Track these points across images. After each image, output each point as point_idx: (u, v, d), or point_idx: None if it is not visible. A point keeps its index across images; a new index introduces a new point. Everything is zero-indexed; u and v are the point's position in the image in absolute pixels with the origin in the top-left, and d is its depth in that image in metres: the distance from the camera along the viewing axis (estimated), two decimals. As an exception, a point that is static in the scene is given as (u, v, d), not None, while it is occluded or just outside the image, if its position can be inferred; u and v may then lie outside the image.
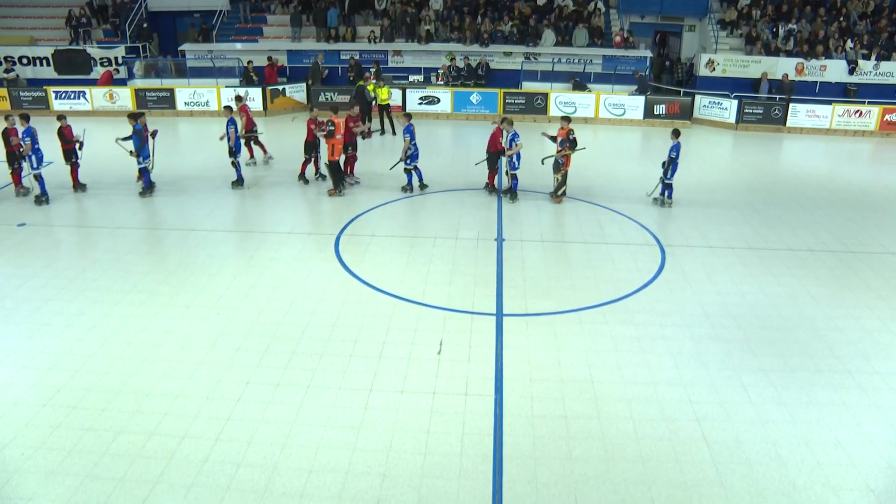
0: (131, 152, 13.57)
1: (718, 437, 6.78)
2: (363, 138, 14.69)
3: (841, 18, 23.95)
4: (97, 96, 22.17)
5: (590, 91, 22.22)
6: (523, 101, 22.19)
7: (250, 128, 15.91)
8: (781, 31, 23.42)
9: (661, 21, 26.04)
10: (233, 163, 14.41)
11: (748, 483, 6.19)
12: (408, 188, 14.31)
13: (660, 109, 21.78)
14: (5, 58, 23.96)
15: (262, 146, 16.59)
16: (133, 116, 13.62)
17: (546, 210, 13.47)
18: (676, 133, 13.38)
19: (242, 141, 15.47)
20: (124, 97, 22.18)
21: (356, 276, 10.27)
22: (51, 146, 14.19)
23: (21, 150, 13.07)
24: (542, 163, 13.94)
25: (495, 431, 6.81)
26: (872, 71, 22.66)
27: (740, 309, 9.48)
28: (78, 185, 14.28)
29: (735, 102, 21.34)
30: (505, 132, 13.44)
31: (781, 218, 13.28)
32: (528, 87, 22.86)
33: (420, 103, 22.31)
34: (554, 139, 13.66)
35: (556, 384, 7.60)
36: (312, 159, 14.80)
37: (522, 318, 9.12)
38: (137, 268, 10.58)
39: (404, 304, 9.44)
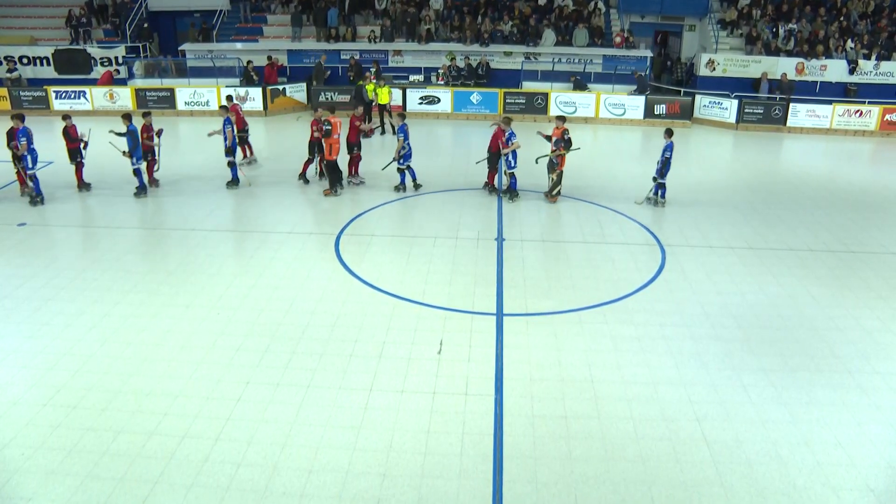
0: (124, 152, 13.53)
1: (718, 437, 6.78)
2: (365, 137, 14.68)
3: (841, 18, 23.95)
4: (97, 96, 22.17)
5: (590, 91, 22.22)
6: (523, 101, 22.19)
7: (241, 127, 15.89)
8: (782, 31, 23.41)
9: (662, 21, 26.04)
10: (229, 163, 14.40)
11: (748, 483, 6.19)
12: (401, 187, 14.31)
13: (660, 109, 21.78)
14: (6, 57, 23.96)
15: (249, 147, 16.55)
16: (127, 117, 13.57)
17: (546, 210, 13.47)
18: (669, 132, 13.39)
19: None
20: (124, 97, 22.18)
21: (356, 276, 10.27)
22: (54, 145, 14.19)
23: (17, 150, 13.04)
24: (537, 162, 13.94)
25: (495, 431, 6.81)
26: (873, 71, 22.66)
27: (740, 309, 9.48)
28: (82, 185, 14.29)
29: (735, 102, 21.34)
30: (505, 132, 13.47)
31: (781, 218, 13.28)
32: (529, 86, 22.86)
33: (420, 103, 22.31)
34: (549, 138, 13.67)
35: (556, 384, 7.60)
36: (315, 159, 14.80)
37: (522, 317, 9.12)
38: (137, 268, 10.58)
39: (404, 303, 9.44)
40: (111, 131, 13.74)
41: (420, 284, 9.99)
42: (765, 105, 21.48)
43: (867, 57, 22.74)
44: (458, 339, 8.50)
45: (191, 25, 25.48)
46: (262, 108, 22.19)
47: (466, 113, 22.32)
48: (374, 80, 20.27)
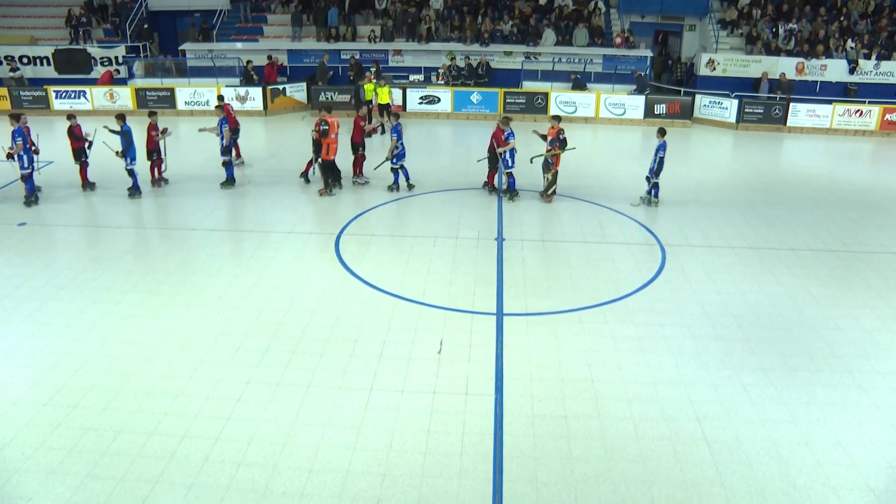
0: (118, 152, 13.49)
1: (719, 437, 6.78)
2: (369, 136, 14.70)
3: (841, 18, 23.94)
4: (97, 96, 22.17)
5: (588, 91, 22.20)
6: (524, 101, 22.18)
7: (232, 128, 15.85)
8: (782, 31, 23.40)
9: (662, 21, 26.04)
10: (224, 162, 14.38)
11: (748, 482, 6.19)
12: (394, 187, 14.31)
13: (660, 109, 21.77)
14: (6, 57, 23.96)
15: (236, 149, 16.49)
16: (121, 117, 13.53)
17: (546, 210, 13.47)
18: (662, 132, 13.38)
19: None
20: (125, 97, 22.18)
21: (356, 276, 10.27)
22: (54, 145, 14.18)
23: (11, 150, 12.99)
24: (531, 162, 13.94)
25: (495, 431, 6.81)
26: (873, 70, 22.65)
27: (740, 308, 9.48)
28: (87, 184, 14.28)
29: (735, 102, 21.33)
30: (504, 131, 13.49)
31: (782, 217, 13.28)
32: (529, 86, 22.85)
33: (420, 103, 22.31)
34: (544, 137, 13.67)
35: (556, 384, 7.60)
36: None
37: (523, 317, 9.12)
38: (137, 267, 10.58)
39: (405, 303, 9.44)
40: (104, 126, 13.72)
41: (420, 284, 9.99)
42: (765, 105, 21.48)
43: (867, 57, 22.73)
44: (459, 338, 8.50)
45: (191, 25, 25.48)
46: (262, 108, 22.19)
47: (466, 113, 22.32)
48: (375, 80, 20.26)
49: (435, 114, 22.35)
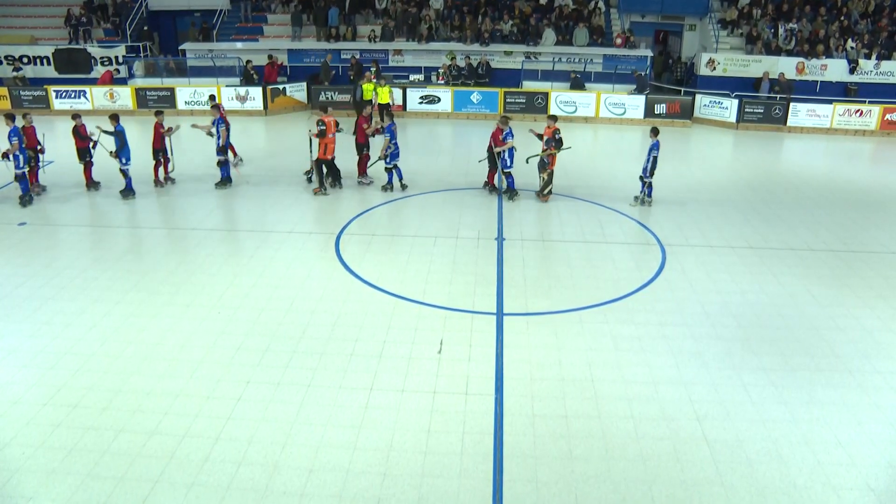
0: (111, 153, 13.44)
1: (719, 437, 6.78)
2: (372, 136, 14.71)
3: (842, 18, 23.93)
4: (98, 95, 22.16)
5: (587, 90, 22.18)
6: (524, 101, 22.18)
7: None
8: (782, 31, 23.40)
9: (662, 20, 26.03)
10: (219, 162, 14.37)
11: (748, 482, 6.19)
12: (388, 187, 14.32)
13: (660, 109, 21.76)
14: (6, 57, 23.96)
15: (232, 147, 16.44)
16: (115, 117, 13.48)
17: (546, 209, 13.47)
18: (655, 131, 13.38)
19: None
20: (125, 96, 22.18)
21: (357, 276, 10.28)
22: (55, 144, 14.17)
23: (7, 150, 12.96)
24: (527, 162, 13.94)
25: (496, 430, 6.81)
26: (873, 70, 22.65)
27: (741, 308, 9.48)
28: (91, 184, 14.27)
29: (736, 102, 21.33)
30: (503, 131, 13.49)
31: (782, 217, 13.28)
32: (529, 86, 22.85)
33: (420, 102, 22.31)
34: (541, 137, 13.68)
35: (556, 383, 7.60)
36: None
37: (523, 317, 9.12)
38: (138, 267, 10.58)
39: (405, 303, 9.44)
40: (97, 127, 13.70)
41: (420, 284, 10.00)
42: (765, 105, 21.47)
43: (867, 56, 22.73)
44: (459, 338, 8.50)
45: (191, 25, 25.48)
46: (262, 108, 22.19)
47: (467, 112, 22.32)
48: (375, 80, 20.25)
49: (435, 114, 22.35)
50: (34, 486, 6.05)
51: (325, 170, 14.11)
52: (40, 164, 13.92)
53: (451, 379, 7.65)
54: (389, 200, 13.83)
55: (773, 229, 12.57)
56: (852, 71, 22.66)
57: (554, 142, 13.44)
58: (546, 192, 13.83)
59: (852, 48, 22.79)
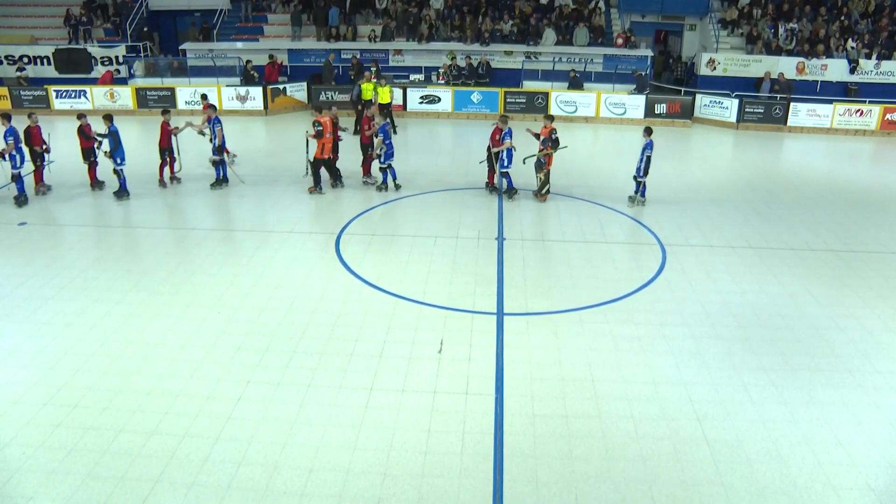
0: (106, 153, 13.40)
1: (719, 436, 6.78)
2: (377, 136, 14.73)
3: (842, 17, 23.93)
4: (98, 95, 22.17)
5: (585, 90, 22.16)
6: (524, 101, 22.18)
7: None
8: (782, 31, 23.40)
9: (662, 20, 26.04)
10: (214, 161, 14.35)
11: (749, 482, 6.19)
12: (383, 187, 14.32)
13: (661, 109, 21.76)
14: (6, 56, 23.97)
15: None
16: (108, 117, 13.44)
17: (546, 209, 13.47)
18: (649, 131, 13.37)
19: (208, 138, 15.37)
20: (125, 96, 22.19)
21: (357, 276, 10.28)
22: (58, 144, 14.14)
23: (3, 150, 12.94)
24: (524, 162, 13.92)
25: (496, 430, 6.81)
26: (873, 70, 22.65)
27: (741, 308, 9.48)
28: (96, 184, 14.25)
29: (736, 102, 21.33)
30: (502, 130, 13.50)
31: (782, 217, 13.28)
32: (529, 86, 22.86)
33: (421, 102, 22.31)
34: (538, 136, 13.68)
35: (556, 383, 7.60)
36: (334, 157, 14.80)
37: (523, 317, 9.12)
38: (138, 267, 10.59)
39: (405, 303, 9.44)
40: (94, 133, 13.69)
41: (420, 284, 10.00)
42: (765, 104, 21.47)
43: (868, 56, 22.73)
44: (459, 338, 8.50)
45: (191, 25, 25.49)
46: (262, 108, 22.19)
47: (467, 112, 22.32)
48: (375, 80, 20.24)
49: (435, 113, 22.35)
50: (34, 486, 6.05)
51: (320, 169, 14.10)
52: (45, 163, 13.92)
53: (452, 379, 7.65)
54: (389, 200, 13.83)
55: (773, 229, 12.57)
56: (852, 71, 22.66)
57: (550, 141, 13.44)
58: (544, 191, 13.84)
59: (853, 48, 22.79)
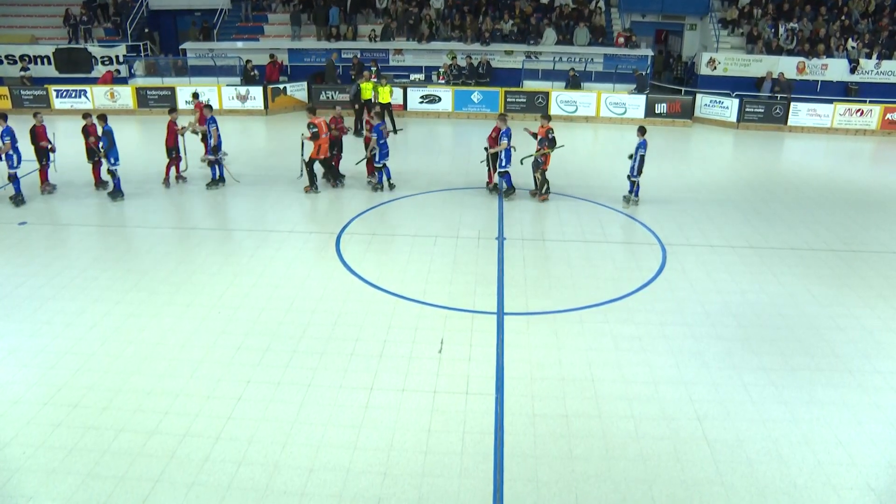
0: (100, 152, 13.36)
1: (719, 436, 6.78)
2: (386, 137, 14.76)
3: (842, 17, 23.93)
4: (98, 95, 22.16)
5: (583, 89, 22.15)
6: (524, 100, 22.17)
7: (201, 124, 15.76)
8: (783, 30, 23.39)
9: (663, 20, 26.03)
10: (209, 161, 14.35)
11: (749, 482, 6.19)
12: (378, 187, 14.32)
13: (661, 108, 21.75)
14: (6, 56, 23.98)
15: (206, 146, 16.42)
16: (102, 117, 13.38)
17: (546, 209, 13.47)
18: (642, 130, 13.36)
19: (200, 137, 15.39)
20: (125, 96, 22.18)
21: (357, 275, 10.28)
22: (64, 143, 14.11)
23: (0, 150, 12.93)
24: (522, 163, 13.90)
25: (496, 430, 6.81)
26: (874, 70, 22.64)
27: (741, 308, 9.48)
28: (100, 183, 14.23)
29: (736, 101, 21.32)
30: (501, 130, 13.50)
31: (782, 217, 13.27)
32: (530, 85, 22.85)
33: (421, 102, 22.31)
34: (535, 136, 13.69)
35: (556, 383, 7.60)
36: (337, 156, 14.84)
37: (523, 316, 9.12)
38: (138, 266, 10.59)
39: (405, 302, 9.44)
40: (87, 139, 13.65)
41: (421, 283, 10.00)
42: (766, 104, 21.46)
43: (868, 56, 22.73)
44: (459, 337, 8.50)
45: (191, 24, 25.48)
46: (262, 107, 22.18)
47: (467, 112, 22.31)
48: (375, 80, 20.24)
49: (436, 113, 22.35)
50: (34, 486, 6.05)
51: (316, 169, 14.11)
52: (50, 162, 13.92)
53: (452, 378, 7.65)
54: (390, 200, 13.83)
55: (773, 229, 12.57)
56: (853, 70, 22.65)
57: (547, 141, 13.44)
58: (544, 191, 13.84)
59: (853, 48, 22.78)
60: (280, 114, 22.36)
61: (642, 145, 13.18)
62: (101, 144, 13.75)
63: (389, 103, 19.90)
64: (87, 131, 13.76)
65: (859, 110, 21.12)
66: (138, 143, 18.59)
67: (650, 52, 24.04)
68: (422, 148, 18.51)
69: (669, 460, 6.44)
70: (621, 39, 23.57)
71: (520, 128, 14.61)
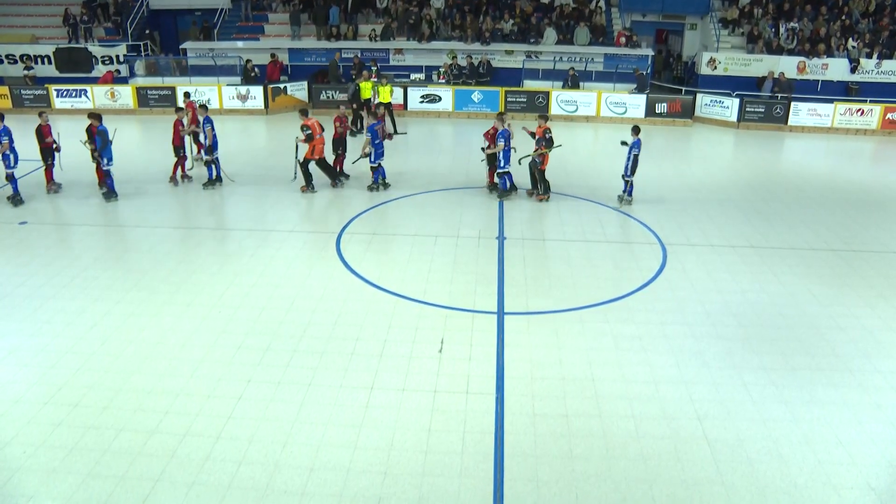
0: (94, 152, 13.30)
1: (719, 436, 6.78)
2: (389, 139, 14.75)
3: (843, 17, 23.91)
4: (98, 94, 22.16)
5: (581, 89, 22.12)
6: (525, 100, 22.17)
7: (193, 123, 15.75)
8: (783, 30, 23.38)
9: (663, 19, 26.02)
10: (207, 161, 14.35)
11: (749, 481, 6.19)
12: (374, 186, 14.32)
13: (661, 108, 21.75)
14: (7, 55, 23.99)
15: (199, 145, 16.42)
16: (97, 116, 13.32)
17: (547, 209, 13.47)
18: (636, 130, 13.35)
19: (191, 137, 15.39)
20: (126, 95, 22.18)
21: (357, 275, 10.28)
22: (74, 142, 14.08)
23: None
24: (520, 163, 13.89)
25: (496, 430, 6.81)
26: (874, 69, 22.63)
27: (741, 307, 9.48)
28: (104, 183, 14.23)
29: (737, 101, 21.31)
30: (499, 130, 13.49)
31: (783, 216, 13.27)
32: (530, 85, 22.84)
33: (421, 101, 22.31)
34: (533, 135, 13.68)
35: (557, 382, 7.60)
36: (342, 156, 14.88)
37: (523, 316, 9.12)
38: (138, 266, 10.59)
39: (406, 302, 9.44)
40: (81, 141, 13.59)
41: (421, 283, 10.00)
42: (766, 104, 21.44)
43: (869, 56, 22.71)
44: (459, 337, 8.50)
45: (192, 24, 25.48)
46: (263, 107, 22.18)
47: (468, 111, 22.30)
48: (376, 80, 20.23)
49: (436, 113, 22.34)
50: (35, 485, 6.05)
51: (311, 169, 14.11)
52: (57, 161, 13.91)
53: (452, 378, 7.65)
54: (390, 200, 13.83)
55: (773, 228, 12.56)
56: (853, 70, 22.64)
57: (544, 141, 13.44)
58: (543, 191, 13.83)
59: (853, 47, 22.77)
60: (280, 113, 22.36)
61: (636, 145, 13.18)
62: (96, 144, 13.78)
63: (390, 103, 19.90)
64: (92, 132, 13.74)
65: (860, 110, 21.11)
66: (139, 143, 18.59)
67: (650, 52, 24.03)
68: (422, 147, 18.51)
69: (670, 460, 6.44)
70: (622, 39, 23.56)
71: (519, 126, 14.61)
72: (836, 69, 22.73)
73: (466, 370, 7.80)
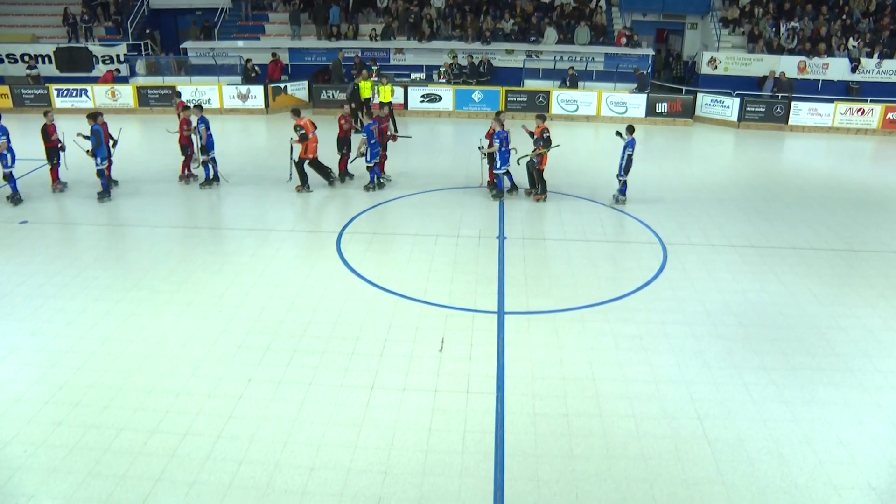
0: (88, 151, 13.26)
1: (720, 436, 6.77)
2: (393, 140, 14.74)
3: (843, 16, 23.91)
4: (99, 94, 22.15)
5: (579, 88, 22.12)
6: (525, 99, 22.15)
7: (187, 126, 15.73)
8: (784, 29, 23.38)
9: (664, 19, 26.02)
10: (203, 161, 14.33)
11: (749, 481, 6.19)
12: (370, 186, 14.32)
13: (662, 107, 21.74)
14: (8, 55, 23.99)
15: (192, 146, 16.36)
16: (92, 116, 13.30)
17: (547, 208, 13.46)
18: (631, 129, 13.35)
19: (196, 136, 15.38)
20: (126, 95, 22.18)
21: (358, 274, 10.28)
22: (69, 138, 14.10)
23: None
24: (518, 163, 13.88)
25: (497, 429, 6.81)
26: (875, 69, 22.62)
27: (742, 307, 9.47)
28: (110, 182, 14.22)
29: (737, 100, 21.30)
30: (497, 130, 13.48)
31: (783, 216, 13.27)
32: (530, 84, 22.83)
33: (422, 101, 22.30)
34: (531, 134, 13.68)
35: (557, 382, 7.60)
36: (346, 155, 14.86)
37: (524, 315, 9.11)
38: (139, 265, 10.59)
39: (406, 301, 9.44)
40: (79, 134, 13.55)
41: (421, 282, 9.99)
42: (767, 103, 21.43)
43: (869, 55, 22.70)
44: (460, 337, 8.50)
45: (192, 23, 25.48)
46: (263, 106, 22.18)
47: (468, 111, 22.29)
48: (376, 79, 20.22)
49: (436, 112, 22.33)
50: (35, 485, 6.05)
51: (307, 168, 14.11)
52: (60, 160, 13.90)
53: (453, 377, 7.65)
54: (390, 199, 13.83)
55: (774, 228, 12.56)
56: (854, 70, 22.63)
57: (543, 141, 13.43)
58: (541, 191, 13.83)
59: (854, 47, 22.76)
60: (281, 113, 22.33)
61: (630, 144, 13.20)
62: (112, 143, 13.76)
63: (390, 103, 19.87)
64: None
65: (860, 110, 21.09)
66: (139, 143, 18.59)
67: (651, 52, 24.02)
68: (422, 147, 18.49)
69: (670, 459, 6.44)
70: (622, 38, 23.55)
71: (518, 125, 14.60)
72: (836, 69, 22.72)
73: (467, 369, 7.80)
